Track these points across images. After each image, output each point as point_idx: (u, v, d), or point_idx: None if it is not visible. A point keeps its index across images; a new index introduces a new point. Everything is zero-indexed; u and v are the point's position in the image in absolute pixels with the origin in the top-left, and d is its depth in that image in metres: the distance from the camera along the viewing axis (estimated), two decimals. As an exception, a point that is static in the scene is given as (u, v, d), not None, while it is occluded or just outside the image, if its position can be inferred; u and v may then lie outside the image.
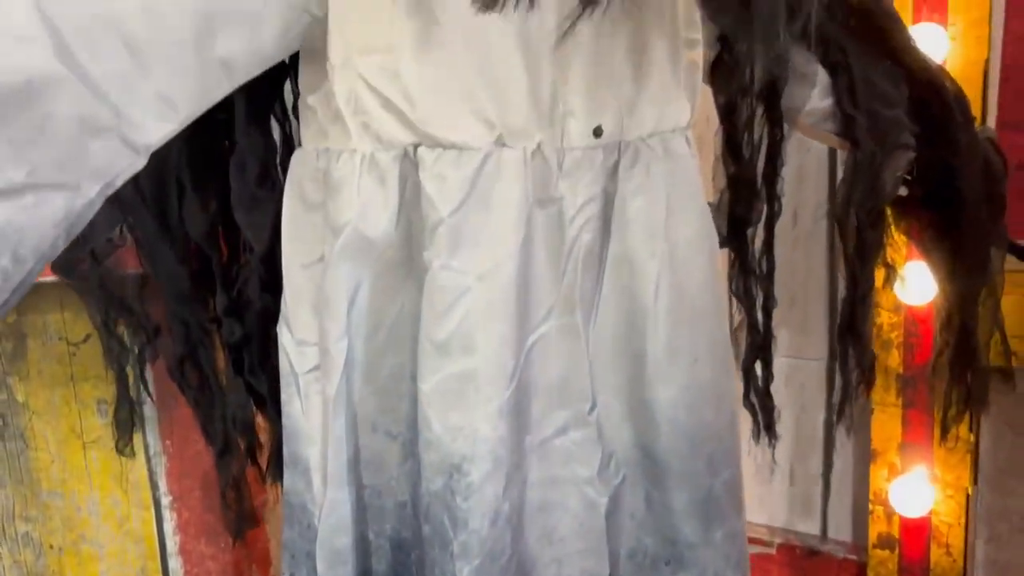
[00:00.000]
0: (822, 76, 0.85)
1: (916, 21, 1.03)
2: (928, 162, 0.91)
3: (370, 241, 0.65)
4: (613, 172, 0.68)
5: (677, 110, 0.70)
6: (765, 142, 0.84)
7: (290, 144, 0.79)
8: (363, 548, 0.72)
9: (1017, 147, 1.36)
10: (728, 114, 0.82)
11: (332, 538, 0.70)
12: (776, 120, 0.84)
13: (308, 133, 0.69)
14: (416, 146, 0.63)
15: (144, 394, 0.86)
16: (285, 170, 0.74)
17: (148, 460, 1.03)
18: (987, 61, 1.04)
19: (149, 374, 0.87)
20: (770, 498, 1.38)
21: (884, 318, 1.13)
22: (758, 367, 0.90)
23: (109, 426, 0.89)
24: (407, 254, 0.66)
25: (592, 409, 0.70)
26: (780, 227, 1.05)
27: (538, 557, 0.70)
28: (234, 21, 0.60)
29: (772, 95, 0.82)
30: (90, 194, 0.59)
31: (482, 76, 0.62)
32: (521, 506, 0.68)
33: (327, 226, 0.66)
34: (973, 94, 1.04)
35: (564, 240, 0.67)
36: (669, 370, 0.70)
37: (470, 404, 0.64)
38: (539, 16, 0.59)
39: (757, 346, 0.89)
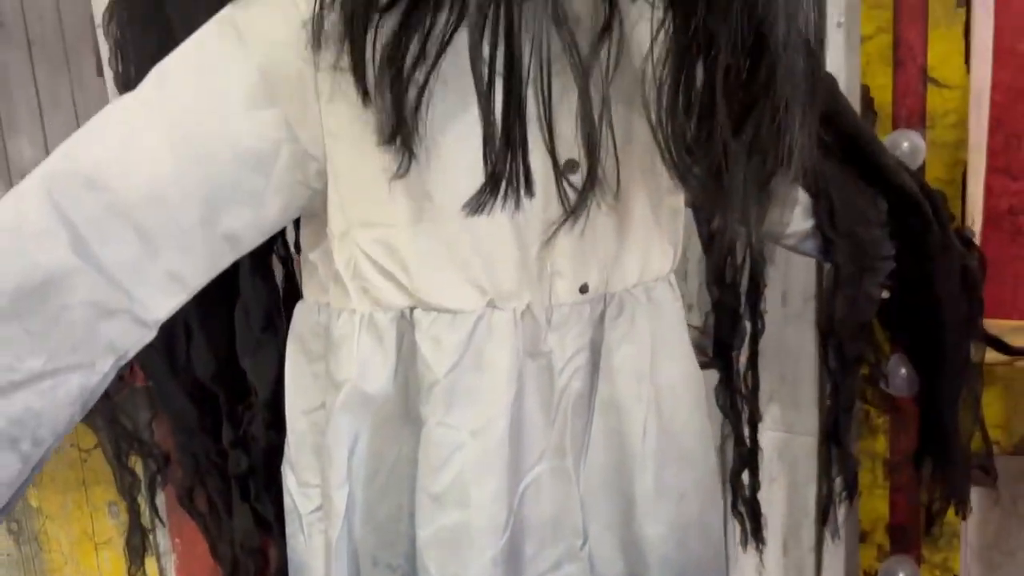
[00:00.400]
0: (803, 198, 0.89)
1: (895, 128, 1.06)
2: (907, 269, 0.95)
3: (369, 396, 0.68)
4: (599, 322, 0.71)
5: (660, 258, 0.74)
6: (747, 266, 0.88)
7: (293, 281, 0.82)
8: None
9: (1008, 192, 1.40)
10: (710, 242, 0.86)
11: None
12: (758, 246, 0.88)
13: (310, 286, 0.73)
14: (412, 308, 0.67)
15: (157, 521, 0.89)
16: (288, 310, 0.78)
17: (158, 559, 1.06)
18: (965, 164, 1.07)
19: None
20: (765, 567, 1.41)
21: (871, 406, 1.16)
22: (745, 476, 0.94)
23: (120, 527, 0.93)
24: (404, 406, 0.69)
25: (584, 544, 0.73)
26: (770, 306, 1.08)
27: None
28: (238, 202, 0.64)
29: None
30: (104, 369, 0.63)
31: (474, 249, 0.65)
32: None
33: (328, 379, 0.70)
34: (952, 195, 1.07)
35: (554, 390, 0.70)
36: (657, 508, 0.73)
37: (465, 555, 0.67)
38: (524, 215, 0.62)
39: (743, 458, 0.92)
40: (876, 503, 1.18)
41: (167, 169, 0.61)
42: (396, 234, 0.65)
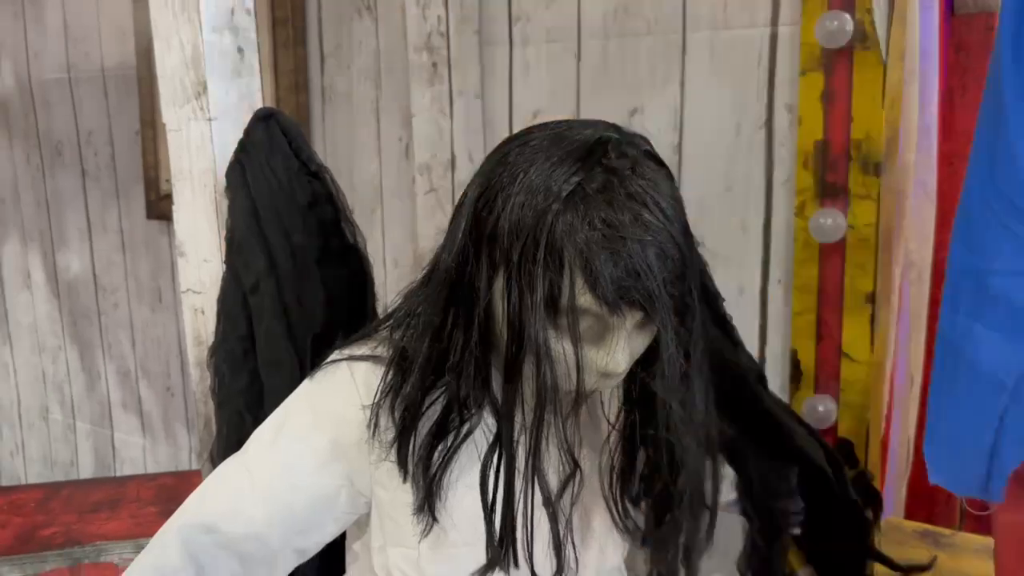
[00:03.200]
0: (731, 474, 1.15)
1: (816, 390, 1.33)
2: (813, 519, 1.20)
3: None
4: None
5: (612, 553, 0.99)
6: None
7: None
8: None
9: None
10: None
11: None
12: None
13: (353, 568, 0.98)
14: None
15: None
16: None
17: None
18: (869, 421, 1.33)
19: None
20: None
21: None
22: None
23: None
24: None
25: None
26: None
27: None
28: (308, 530, 0.90)
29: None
30: None
31: (477, 566, 0.90)
32: None
33: None
34: (859, 444, 1.33)
35: None
36: None
37: None
38: None
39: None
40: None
41: (261, 516, 0.87)
42: (420, 556, 0.90)
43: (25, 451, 2.77)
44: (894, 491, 1.41)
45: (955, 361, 0.83)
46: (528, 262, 0.74)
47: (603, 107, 1.58)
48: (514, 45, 1.65)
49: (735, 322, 1.49)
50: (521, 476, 0.81)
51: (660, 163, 0.79)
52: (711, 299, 1.14)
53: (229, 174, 1.01)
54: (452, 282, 0.81)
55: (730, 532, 1.19)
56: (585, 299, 0.74)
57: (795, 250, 1.33)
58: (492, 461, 0.82)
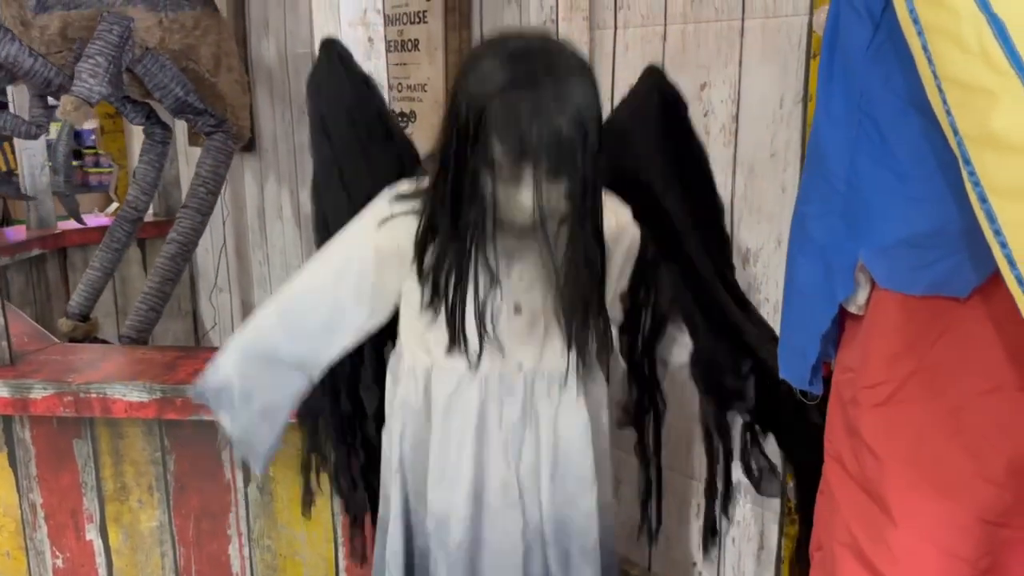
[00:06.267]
0: (690, 344, 1.45)
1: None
2: (763, 407, 1.47)
3: (410, 405, 1.38)
4: (531, 384, 1.35)
5: (570, 359, 1.34)
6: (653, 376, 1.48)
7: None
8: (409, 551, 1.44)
9: None
10: (630, 361, 1.46)
11: (392, 548, 1.43)
12: (653, 365, 1.47)
13: (397, 347, 1.42)
14: (432, 367, 1.35)
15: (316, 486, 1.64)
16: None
17: (332, 517, 1.82)
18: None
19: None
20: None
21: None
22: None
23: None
24: (426, 413, 1.38)
25: (519, 497, 1.38)
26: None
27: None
28: (362, 308, 1.37)
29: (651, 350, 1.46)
30: (301, 387, 1.39)
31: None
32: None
33: (397, 393, 1.40)
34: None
35: (502, 417, 1.35)
36: (553, 488, 1.38)
37: (451, 490, 1.36)
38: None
39: (648, 487, 1.55)
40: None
41: (330, 292, 1.36)
42: (429, 336, 1.33)
43: (274, 347, 3.50)
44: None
45: (789, 283, 1.09)
46: (469, 131, 1.14)
47: (681, 82, 1.86)
48: (618, 28, 1.97)
49: (771, 270, 1.77)
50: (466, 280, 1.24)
51: (575, 71, 1.14)
52: (715, 220, 1.46)
53: (307, 87, 1.45)
54: (440, 148, 1.22)
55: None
56: (499, 154, 1.13)
57: (802, 206, 1.57)
58: (452, 271, 1.24)
